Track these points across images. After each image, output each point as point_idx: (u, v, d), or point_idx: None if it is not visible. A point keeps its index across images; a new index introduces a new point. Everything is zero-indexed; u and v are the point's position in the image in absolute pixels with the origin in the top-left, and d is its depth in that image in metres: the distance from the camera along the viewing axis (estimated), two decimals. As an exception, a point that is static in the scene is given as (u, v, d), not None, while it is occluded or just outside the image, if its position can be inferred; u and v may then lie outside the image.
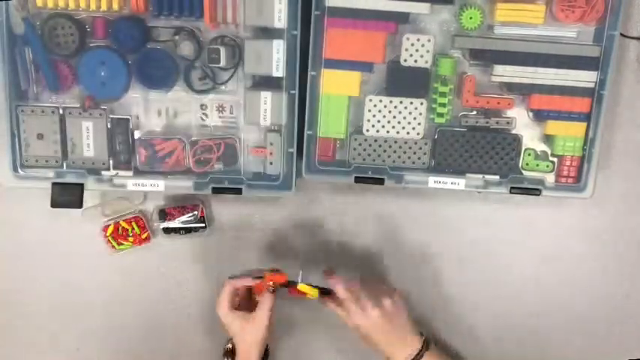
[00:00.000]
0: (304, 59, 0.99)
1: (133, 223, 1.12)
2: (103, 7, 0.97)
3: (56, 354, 1.19)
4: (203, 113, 1.04)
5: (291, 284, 1.04)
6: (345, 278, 1.05)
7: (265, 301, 1.03)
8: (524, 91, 1.03)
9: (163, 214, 1.12)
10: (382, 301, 1.03)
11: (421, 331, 1.08)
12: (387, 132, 1.04)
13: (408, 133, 1.04)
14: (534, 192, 1.05)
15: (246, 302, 1.08)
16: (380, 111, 1.03)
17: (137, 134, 1.03)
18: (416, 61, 1.01)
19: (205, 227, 1.13)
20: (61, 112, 1.01)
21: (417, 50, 1.00)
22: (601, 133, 1.03)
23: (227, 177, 1.04)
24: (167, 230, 1.13)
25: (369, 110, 1.03)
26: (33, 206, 1.12)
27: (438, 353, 1.09)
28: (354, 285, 1.04)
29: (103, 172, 1.04)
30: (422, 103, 1.02)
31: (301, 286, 1.04)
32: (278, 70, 0.99)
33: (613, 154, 1.13)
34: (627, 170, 1.14)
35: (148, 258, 1.16)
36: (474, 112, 1.05)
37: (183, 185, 1.04)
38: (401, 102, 1.02)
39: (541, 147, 1.06)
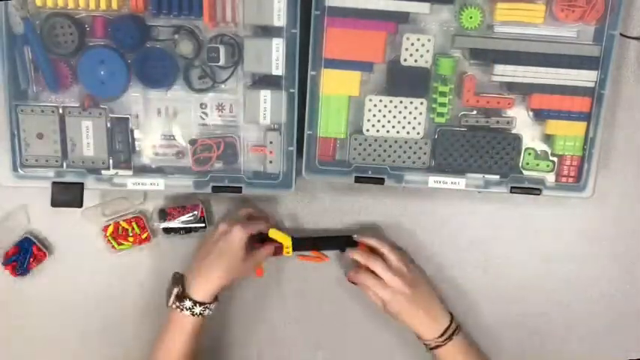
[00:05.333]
0: (304, 58, 0.99)
1: (133, 223, 1.12)
2: (103, 6, 0.97)
3: (56, 354, 1.19)
4: (203, 112, 1.04)
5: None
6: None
7: (266, 250, 1.08)
8: (524, 90, 1.03)
9: (163, 214, 1.12)
10: (401, 270, 1.07)
11: (450, 312, 1.10)
12: (387, 132, 1.04)
13: (408, 132, 1.04)
14: (534, 192, 1.05)
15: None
16: (380, 111, 1.03)
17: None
18: (416, 60, 1.00)
19: (205, 227, 1.13)
20: (60, 111, 1.01)
21: (417, 50, 1.00)
22: (601, 132, 1.03)
23: (227, 176, 1.04)
24: (167, 230, 1.13)
25: (369, 110, 1.03)
26: (33, 206, 1.12)
27: (464, 339, 1.10)
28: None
29: (103, 172, 1.04)
30: (422, 103, 1.02)
31: (272, 232, 1.09)
32: (278, 69, 0.99)
33: (613, 154, 1.13)
34: (627, 170, 1.14)
35: (148, 258, 1.16)
36: (474, 112, 1.05)
37: (183, 184, 1.04)
38: (401, 102, 1.02)
39: (541, 146, 1.06)
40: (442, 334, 1.06)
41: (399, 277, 1.05)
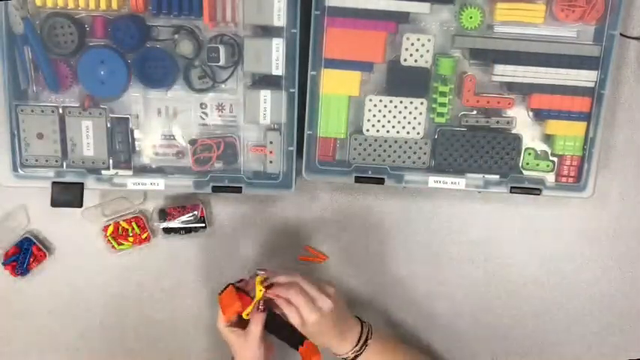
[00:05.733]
0: (304, 58, 0.99)
1: (133, 223, 1.12)
2: (103, 6, 0.96)
3: (56, 354, 1.19)
4: (203, 112, 1.04)
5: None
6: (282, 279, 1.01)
7: (255, 320, 1.01)
8: (524, 90, 1.03)
9: (163, 214, 1.12)
10: (320, 303, 0.99)
11: (359, 317, 1.07)
12: (387, 132, 1.04)
13: (408, 132, 1.04)
14: (534, 192, 1.05)
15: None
16: (380, 111, 1.03)
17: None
18: (416, 60, 1.00)
19: (205, 227, 1.13)
20: (60, 111, 1.01)
21: (417, 50, 1.00)
22: (601, 132, 1.03)
23: (227, 176, 1.04)
24: (167, 230, 1.13)
25: (369, 110, 1.03)
26: (33, 206, 1.12)
27: (379, 341, 1.07)
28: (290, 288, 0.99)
29: (103, 172, 1.04)
30: (422, 103, 1.02)
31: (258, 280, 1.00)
32: (278, 69, 0.99)
33: (613, 154, 1.13)
34: (627, 170, 1.14)
35: (148, 258, 1.16)
36: (474, 112, 1.05)
37: (183, 184, 1.04)
38: (401, 102, 1.02)
39: (541, 146, 1.06)
40: (357, 344, 1.04)
41: (328, 299, 0.99)
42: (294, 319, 0.99)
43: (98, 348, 1.19)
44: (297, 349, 1.04)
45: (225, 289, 1.03)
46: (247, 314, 1.00)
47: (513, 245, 1.17)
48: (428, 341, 1.20)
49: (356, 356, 1.04)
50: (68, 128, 1.02)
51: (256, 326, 1.01)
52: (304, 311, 0.98)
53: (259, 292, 0.99)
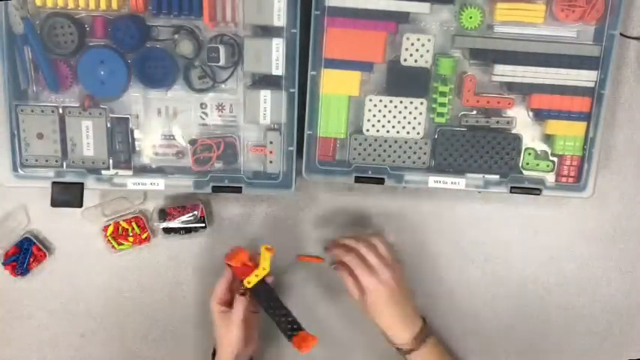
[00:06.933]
0: (304, 58, 0.99)
1: (133, 223, 1.12)
2: (103, 6, 0.97)
3: (56, 354, 1.19)
4: (203, 112, 1.04)
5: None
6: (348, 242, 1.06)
7: (237, 304, 1.03)
8: (524, 90, 1.03)
9: (163, 214, 1.12)
10: (391, 266, 1.03)
11: (423, 316, 1.09)
12: (387, 132, 1.04)
13: (408, 132, 1.04)
14: (534, 192, 1.05)
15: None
16: (380, 111, 1.03)
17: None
18: (416, 60, 1.00)
19: (205, 227, 1.13)
20: (60, 111, 1.01)
21: (417, 50, 1.00)
22: (601, 132, 1.03)
23: (227, 176, 1.04)
24: (167, 230, 1.13)
25: (369, 110, 1.03)
26: (33, 206, 1.12)
27: (438, 344, 1.09)
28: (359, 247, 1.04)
29: (103, 172, 1.04)
30: (422, 103, 1.02)
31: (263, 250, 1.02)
32: (278, 69, 0.99)
33: (613, 154, 1.13)
34: (627, 170, 1.14)
35: (148, 258, 1.16)
36: (474, 112, 1.05)
37: (183, 184, 1.04)
38: (401, 102, 1.02)
39: (541, 146, 1.06)
40: (415, 337, 1.04)
41: (389, 269, 1.02)
42: (351, 290, 1.03)
43: (98, 348, 1.19)
44: (290, 340, 1.03)
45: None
46: (249, 281, 1.02)
47: (513, 245, 1.17)
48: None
49: (412, 349, 1.04)
50: (68, 128, 1.02)
51: (238, 308, 1.03)
52: (362, 277, 1.01)
53: (264, 260, 1.02)
